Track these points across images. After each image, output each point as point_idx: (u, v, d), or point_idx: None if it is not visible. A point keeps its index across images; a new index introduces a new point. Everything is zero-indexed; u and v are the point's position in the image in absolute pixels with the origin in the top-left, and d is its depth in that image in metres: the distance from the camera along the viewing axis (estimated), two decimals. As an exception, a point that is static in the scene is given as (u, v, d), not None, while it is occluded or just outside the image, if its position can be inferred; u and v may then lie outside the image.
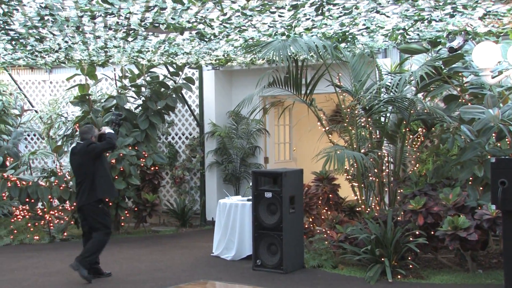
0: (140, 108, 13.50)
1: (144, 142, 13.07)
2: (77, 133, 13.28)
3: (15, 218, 12.74)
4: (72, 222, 12.80)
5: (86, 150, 8.86)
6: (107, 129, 9.22)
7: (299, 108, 11.78)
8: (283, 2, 7.03)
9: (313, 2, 7.13)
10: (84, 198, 8.87)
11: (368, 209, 9.92)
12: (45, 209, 12.56)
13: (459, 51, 8.58)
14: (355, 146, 9.94)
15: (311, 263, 9.26)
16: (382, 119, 10.04)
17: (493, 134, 8.33)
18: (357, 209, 10.50)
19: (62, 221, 12.82)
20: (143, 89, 13.43)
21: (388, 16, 8.02)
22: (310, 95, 10.32)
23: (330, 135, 10.47)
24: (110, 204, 12.21)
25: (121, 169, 12.21)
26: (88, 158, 8.85)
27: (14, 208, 13.03)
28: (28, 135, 15.98)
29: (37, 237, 12.37)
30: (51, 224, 12.58)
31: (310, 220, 10.43)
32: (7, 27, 8.12)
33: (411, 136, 10.30)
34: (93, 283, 8.70)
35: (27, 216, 12.77)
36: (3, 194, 12.40)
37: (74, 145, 9.67)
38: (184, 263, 9.90)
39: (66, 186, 12.27)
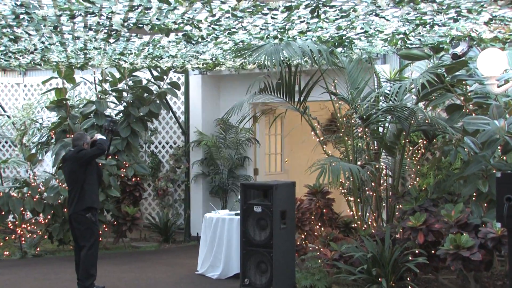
0: (121, 114, 13.47)
1: (125, 151, 13.05)
2: (53, 140, 13.27)
3: (-16, 232, 12.71)
4: (45, 237, 12.74)
5: (76, 156, 9.07)
6: (98, 136, 9.38)
7: (292, 116, 11.80)
8: (276, 3, 7.05)
9: (308, 4, 7.16)
10: (73, 207, 9.06)
11: (365, 226, 9.92)
12: (17, 222, 12.50)
13: (463, 58, 8.62)
14: (351, 158, 9.95)
15: (303, 283, 9.24)
16: (380, 129, 10.06)
17: (499, 147, 8.35)
18: (353, 225, 10.50)
19: (35, 235, 12.76)
20: (124, 94, 13.42)
21: (388, 20, 8.05)
22: (304, 102, 10.34)
23: (324, 146, 10.48)
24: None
25: (100, 179, 12.18)
26: (78, 164, 9.05)
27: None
28: (0, 142, 15.91)
29: (7, 253, 12.30)
30: (23, 239, 12.50)
31: (303, 236, 10.42)
32: (-21, 25, 8.11)
33: (411, 148, 10.32)
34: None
35: (-3, 230, 12.73)
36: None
37: (66, 152, 9.79)
38: (167, 282, 9.86)
39: (40, 198, 12.22)
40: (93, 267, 9.05)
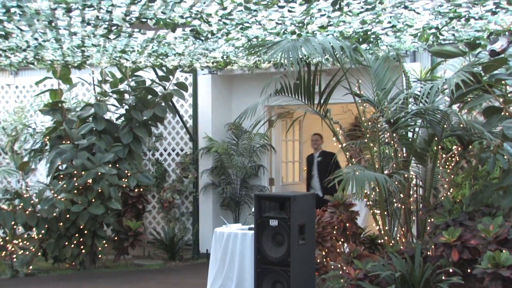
0: (122, 118, 13.52)
1: (127, 159, 13.08)
2: (47, 147, 13.32)
3: (-29, 248, 12.74)
4: (39, 254, 12.79)
5: None
6: None
7: (311, 120, 11.79)
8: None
9: (329, -5, 7.18)
10: None
11: (392, 242, 9.89)
12: (7, 238, 12.54)
13: (502, 55, 8.59)
14: (377, 167, 9.93)
15: (324, 305, 9.24)
16: (410, 134, 10.02)
17: (542, 154, 8.31)
18: (379, 241, 10.48)
19: (27, 252, 12.79)
20: (126, 96, 13.47)
21: (418, 13, 8.04)
22: (325, 105, 10.32)
23: (347, 153, 10.46)
24: (86, 232, 12.23)
25: (99, 190, 12.21)
26: None
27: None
28: (-11, 149, 16.01)
29: (-3, 271, 12.36)
30: (14, 256, 12.55)
31: (323, 253, 10.40)
32: (-34, 20, 8.17)
33: (444, 155, 10.28)
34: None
35: (-15, 246, 12.77)
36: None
37: None
38: (173, 304, 9.89)
39: (33, 211, 12.27)
40: None
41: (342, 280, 9.48)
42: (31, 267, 12.53)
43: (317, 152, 14.25)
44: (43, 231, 12.36)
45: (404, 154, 10.14)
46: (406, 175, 9.75)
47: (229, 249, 10.11)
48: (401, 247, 9.28)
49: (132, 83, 13.53)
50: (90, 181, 12.12)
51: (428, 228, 9.54)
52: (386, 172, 9.87)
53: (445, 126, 9.26)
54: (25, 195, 12.65)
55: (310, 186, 14.25)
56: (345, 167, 12.29)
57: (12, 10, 7.53)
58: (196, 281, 11.36)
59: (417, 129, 9.83)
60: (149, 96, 13.45)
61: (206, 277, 10.53)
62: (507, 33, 8.59)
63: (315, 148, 14.29)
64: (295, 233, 8.90)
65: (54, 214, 12.24)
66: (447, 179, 10.23)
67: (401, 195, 9.85)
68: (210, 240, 11.02)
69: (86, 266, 12.76)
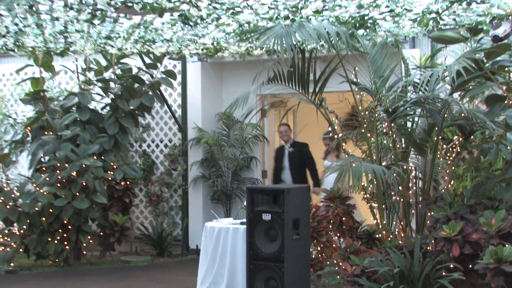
0: (108, 108, 13.46)
1: (113, 151, 13.03)
2: (29, 138, 13.26)
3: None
4: (20, 250, 12.74)
5: None
6: None
7: (306, 110, 11.76)
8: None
9: (324, -22, 7.14)
10: None
11: (391, 236, 9.89)
12: (-13, 234, 12.52)
13: (506, 41, 8.57)
14: (375, 158, 9.92)
15: (319, 302, 9.24)
16: (409, 124, 10.02)
17: (547, 145, 8.31)
18: (377, 236, 10.47)
19: (8, 249, 12.75)
20: (112, 84, 13.41)
21: (417, -4, 8.03)
22: (320, 94, 10.30)
23: (344, 144, 10.44)
24: (70, 227, 12.18)
25: (84, 184, 12.16)
26: None
27: None
28: (-32, 141, 15.95)
29: (-23, 268, 12.33)
30: (-5, 252, 12.53)
31: (319, 249, 10.39)
32: None
33: (444, 146, 10.28)
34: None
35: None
36: None
37: None
38: (161, 302, 9.87)
39: (14, 205, 12.22)
40: None
41: (338, 277, 9.49)
42: (12, 264, 12.49)
43: (288, 143, 14.07)
44: (24, 227, 12.31)
45: (403, 145, 10.14)
46: (405, 167, 9.75)
47: (220, 245, 10.09)
48: (400, 242, 9.27)
49: (118, 71, 13.47)
50: (74, 173, 12.07)
51: (428, 222, 9.54)
52: (384, 163, 9.86)
53: (445, 115, 9.25)
54: (5, 189, 12.60)
55: (279, 179, 14.02)
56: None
57: (-9, -6, 7.48)
58: (186, 277, 11.35)
59: (416, 119, 9.83)
60: (136, 85, 13.40)
61: (196, 273, 10.52)
62: (510, 17, 8.58)
63: (286, 140, 14.09)
64: (289, 227, 8.87)
65: (37, 209, 12.18)
66: (447, 171, 10.23)
67: (400, 188, 9.85)
68: (200, 235, 10.99)
69: (70, 263, 12.71)
